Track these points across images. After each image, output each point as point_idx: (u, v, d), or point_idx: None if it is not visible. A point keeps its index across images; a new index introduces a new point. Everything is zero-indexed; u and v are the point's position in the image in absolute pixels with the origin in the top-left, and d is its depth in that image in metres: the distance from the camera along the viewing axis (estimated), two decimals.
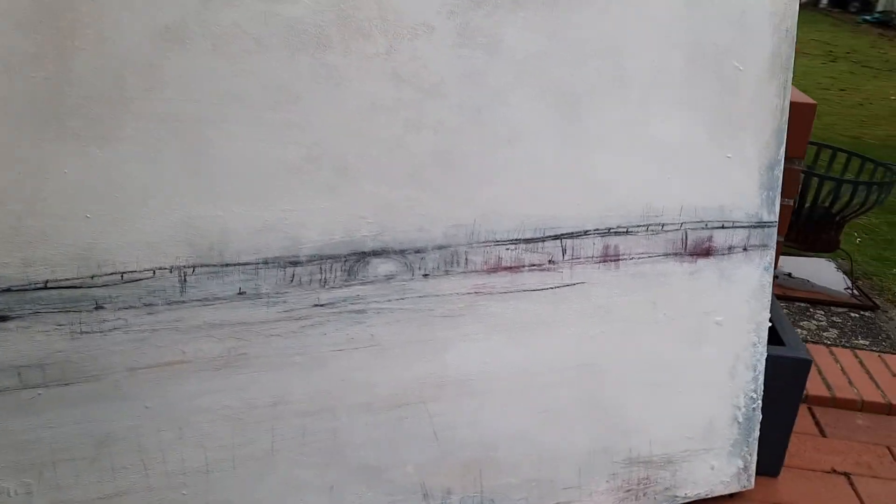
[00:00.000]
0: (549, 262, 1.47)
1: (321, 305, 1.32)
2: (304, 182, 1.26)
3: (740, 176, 1.60)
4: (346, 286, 1.33)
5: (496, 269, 1.43)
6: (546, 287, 1.48)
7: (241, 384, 1.29)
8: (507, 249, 1.43)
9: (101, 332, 1.20)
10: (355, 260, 1.32)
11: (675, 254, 1.57)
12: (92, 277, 1.17)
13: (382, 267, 1.35)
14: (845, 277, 3.34)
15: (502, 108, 1.38)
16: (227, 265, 1.24)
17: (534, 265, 1.46)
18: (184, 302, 1.23)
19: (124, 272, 1.19)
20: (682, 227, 1.56)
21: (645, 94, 1.48)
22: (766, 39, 1.57)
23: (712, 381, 1.67)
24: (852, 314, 3.03)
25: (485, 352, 1.45)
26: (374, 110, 1.29)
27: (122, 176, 1.16)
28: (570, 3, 1.40)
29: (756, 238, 1.65)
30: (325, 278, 1.31)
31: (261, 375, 1.30)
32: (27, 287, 1.14)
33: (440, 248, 1.38)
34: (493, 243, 1.41)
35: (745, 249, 1.64)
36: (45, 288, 1.15)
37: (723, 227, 1.61)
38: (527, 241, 1.44)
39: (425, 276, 1.38)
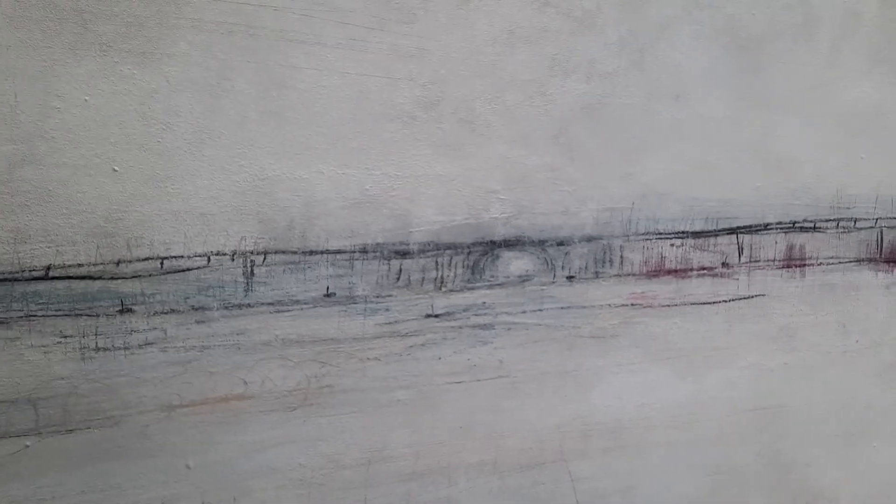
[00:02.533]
0: (723, 264, 1.20)
1: (435, 316, 1.02)
2: (418, 136, 0.98)
3: None
4: (469, 289, 1.03)
5: (658, 272, 1.15)
6: (718, 299, 1.21)
7: (323, 432, 0.98)
8: (672, 245, 1.16)
9: (126, 348, 0.88)
10: (482, 252, 1.04)
11: (870, 259, 1.32)
12: (117, 264, 0.86)
13: (516, 263, 1.06)
14: None
15: (668, 51, 1.12)
16: (311, 252, 0.94)
17: (704, 269, 1.19)
18: (249, 306, 0.92)
19: (165, 258, 0.88)
20: (878, 224, 1.31)
21: (835, 42, 1.25)
22: None
23: None
24: None
25: (643, 388, 1.16)
26: (511, 41, 1.02)
27: (169, 112, 0.86)
28: None
29: None
30: (441, 277, 1.01)
31: (351, 419, 0.99)
32: (17, 276, 0.82)
33: (589, 239, 1.10)
34: (654, 236, 1.14)
35: None
36: (47, 278, 0.84)
37: None
38: (696, 234, 1.17)
39: (570, 278, 1.09)
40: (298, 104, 0.93)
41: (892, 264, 1.36)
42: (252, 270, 0.92)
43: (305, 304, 0.96)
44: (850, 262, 1.32)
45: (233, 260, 0.91)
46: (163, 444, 0.91)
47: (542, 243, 1.09)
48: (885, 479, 1.38)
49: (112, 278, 0.87)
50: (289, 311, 0.95)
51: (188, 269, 0.90)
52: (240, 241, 0.92)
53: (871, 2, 1.28)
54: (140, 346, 0.89)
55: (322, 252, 0.96)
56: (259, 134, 0.91)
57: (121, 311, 0.87)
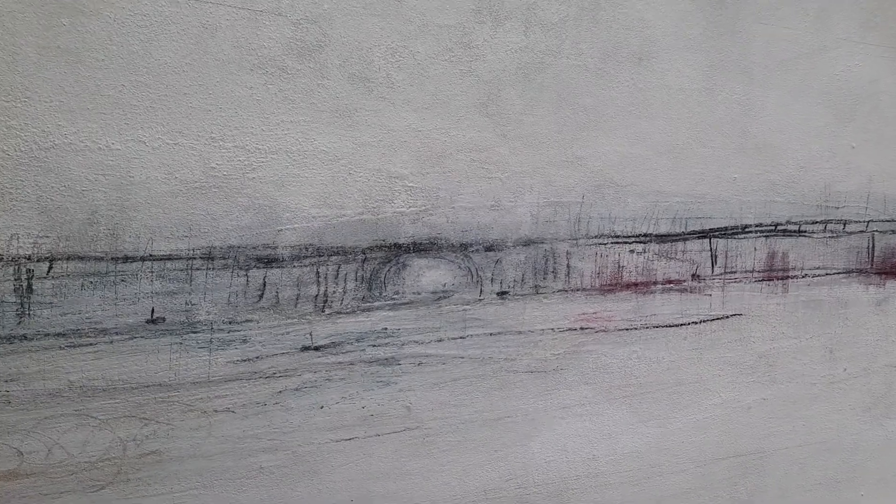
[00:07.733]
0: (693, 276, 0.94)
1: (315, 349, 0.72)
2: (290, 94, 0.69)
3: None
4: (365, 310, 0.74)
5: (614, 286, 0.89)
6: (688, 321, 0.95)
7: None
8: (632, 252, 0.89)
9: None
10: (382, 259, 0.75)
11: (860, 271, 1.09)
12: None
13: (430, 275, 0.78)
14: None
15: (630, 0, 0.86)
16: (126, 259, 0.63)
17: (670, 282, 0.93)
18: (25, 338, 0.60)
19: None
20: (869, 228, 1.08)
21: (824, 3, 1.01)
22: None
23: None
24: None
25: (594, 436, 0.89)
26: None
27: None
28: None
29: None
30: (325, 293, 0.72)
31: (190, 499, 0.68)
32: None
33: (527, 243, 0.82)
34: (609, 239, 0.87)
35: None
36: None
37: None
38: (660, 238, 0.91)
39: (501, 294, 0.81)
40: (103, 38, 0.62)
41: (884, 276, 1.12)
42: (30, 285, 0.61)
43: (118, 334, 0.65)
44: (839, 273, 1.08)
45: None
46: None
47: (464, 248, 0.80)
48: None
49: None
50: (91, 345, 0.64)
51: None
52: (9, 240, 0.60)
53: None
54: None
55: (143, 258, 0.65)
56: (40, 80, 0.60)
57: None
